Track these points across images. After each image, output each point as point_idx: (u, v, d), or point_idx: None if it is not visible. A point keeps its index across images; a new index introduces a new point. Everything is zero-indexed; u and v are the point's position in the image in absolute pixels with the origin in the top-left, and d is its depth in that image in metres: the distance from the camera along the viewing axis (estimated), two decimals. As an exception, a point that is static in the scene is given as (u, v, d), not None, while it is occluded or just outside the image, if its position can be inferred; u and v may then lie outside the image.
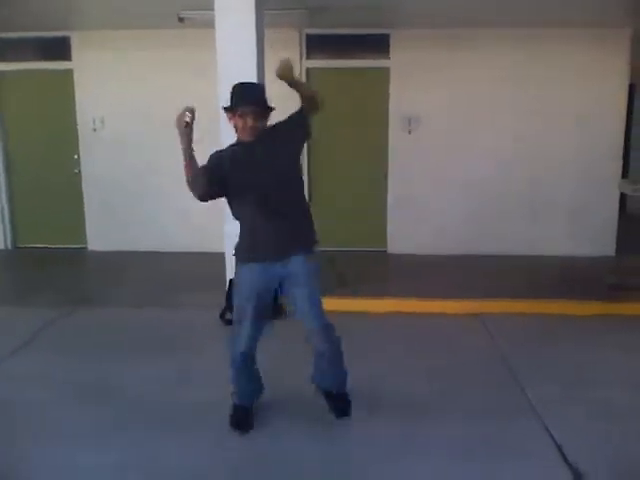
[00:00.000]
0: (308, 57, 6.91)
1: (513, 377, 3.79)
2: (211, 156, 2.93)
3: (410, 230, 7.00)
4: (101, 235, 7.34)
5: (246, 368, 3.12)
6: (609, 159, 6.90)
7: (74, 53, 7.05)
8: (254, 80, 4.82)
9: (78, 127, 7.18)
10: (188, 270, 6.33)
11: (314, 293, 2.97)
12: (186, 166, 2.74)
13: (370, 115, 6.99)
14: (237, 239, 3.02)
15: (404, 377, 3.81)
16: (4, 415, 3.33)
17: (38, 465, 2.85)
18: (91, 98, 7.09)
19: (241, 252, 3.00)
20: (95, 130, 7.13)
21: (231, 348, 3.06)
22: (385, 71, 6.83)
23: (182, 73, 6.82)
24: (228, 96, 2.89)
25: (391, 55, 6.82)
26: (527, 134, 6.83)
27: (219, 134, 4.85)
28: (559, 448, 2.94)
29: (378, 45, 6.84)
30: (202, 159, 2.84)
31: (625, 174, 7.56)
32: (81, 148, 7.23)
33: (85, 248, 7.38)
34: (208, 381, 3.71)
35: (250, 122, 2.79)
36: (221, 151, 2.96)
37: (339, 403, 3.23)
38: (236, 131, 2.88)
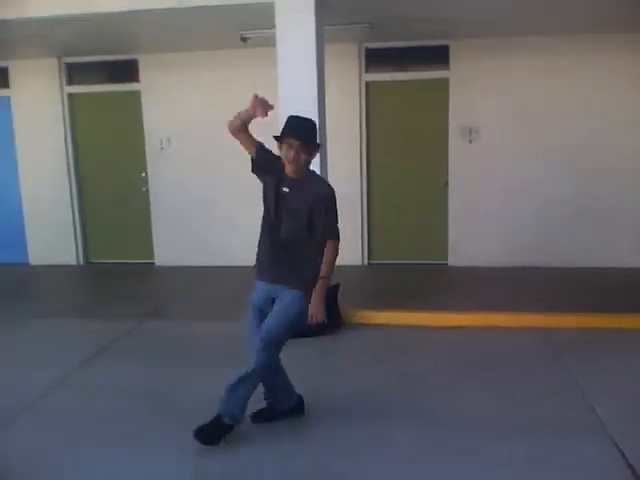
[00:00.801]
0: (367, 71, 6.95)
1: (582, 393, 3.66)
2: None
3: (472, 241, 6.90)
4: (168, 251, 7.57)
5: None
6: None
7: (142, 75, 7.36)
8: (314, 92, 4.91)
9: (146, 146, 7.46)
10: (251, 285, 6.39)
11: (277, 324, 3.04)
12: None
13: (430, 126, 6.96)
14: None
15: (470, 391, 3.75)
16: (76, 424, 3.45)
17: (104, 474, 2.94)
18: (158, 118, 7.36)
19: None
20: (162, 149, 7.39)
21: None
22: (444, 82, 6.80)
23: (246, 91, 6.94)
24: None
25: (451, 66, 6.78)
26: (592, 141, 6.62)
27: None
28: (630, 466, 2.82)
29: (437, 56, 6.82)
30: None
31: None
32: (149, 166, 7.51)
33: (153, 263, 7.63)
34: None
35: (292, 154, 2.94)
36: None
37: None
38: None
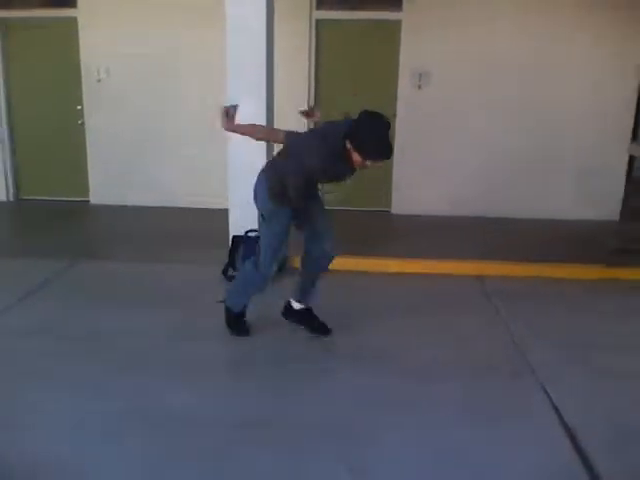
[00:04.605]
0: (318, 8, 6.71)
1: (512, 340, 3.80)
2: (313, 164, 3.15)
3: (415, 189, 6.94)
4: (104, 189, 7.28)
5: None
6: (620, 123, 6.79)
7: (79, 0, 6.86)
8: (262, 32, 4.70)
9: (82, 77, 7.04)
10: (191, 226, 6.31)
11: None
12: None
13: (380, 69, 6.84)
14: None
15: (405, 337, 3.85)
16: (5, 365, 3.35)
17: (42, 411, 2.88)
18: (96, 47, 6.91)
19: None
20: (100, 81, 6.99)
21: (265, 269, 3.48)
22: (397, 24, 6.64)
23: (190, 21, 6.64)
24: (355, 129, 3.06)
25: (404, 7, 6.62)
26: (538, 94, 6.68)
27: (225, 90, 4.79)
28: (556, 409, 2.97)
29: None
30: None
31: (635, 138, 7.45)
32: (85, 99, 7.11)
33: (88, 201, 7.34)
34: (210, 334, 3.76)
35: (370, 165, 3.09)
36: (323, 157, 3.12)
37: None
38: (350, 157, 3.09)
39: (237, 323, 3.73)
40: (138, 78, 6.91)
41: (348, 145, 3.04)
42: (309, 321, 3.73)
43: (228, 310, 3.72)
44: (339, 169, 3.17)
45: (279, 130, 3.33)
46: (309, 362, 3.46)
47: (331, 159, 3.07)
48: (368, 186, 6.60)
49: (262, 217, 3.40)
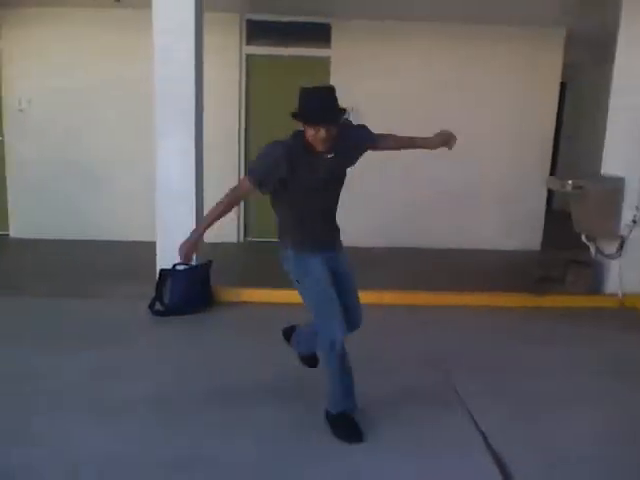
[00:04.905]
0: (248, 43, 6.79)
1: (441, 369, 3.82)
2: (266, 160, 2.78)
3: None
4: (24, 221, 6.97)
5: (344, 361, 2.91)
6: (539, 157, 7.14)
7: (2, 31, 6.66)
8: (191, 63, 4.70)
9: (3, 107, 6.80)
10: (116, 259, 6.11)
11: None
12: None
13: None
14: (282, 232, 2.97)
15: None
16: None
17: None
18: (18, 77, 6.71)
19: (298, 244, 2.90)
20: (22, 110, 6.75)
21: (324, 340, 2.86)
22: (326, 60, 6.81)
23: (116, 55, 6.56)
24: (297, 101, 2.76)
25: (332, 45, 6.80)
26: (461, 127, 6.85)
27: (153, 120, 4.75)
28: (485, 439, 2.97)
29: (319, 34, 6.80)
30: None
31: (553, 171, 7.86)
32: (5, 129, 6.84)
33: (7, 235, 6.99)
34: (139, 374, 3.59)
35: (323, 134, 2.68)
36: (278, 150, 2.77)
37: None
38: (305, 135, 2.73)
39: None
40: (60, 109, 6.74)
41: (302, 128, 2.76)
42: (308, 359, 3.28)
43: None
44: (305, 160, 2.75)
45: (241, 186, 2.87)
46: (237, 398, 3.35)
47: (289, 150, 2.75)
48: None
49: (296, 282, 2.93)
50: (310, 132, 2.70)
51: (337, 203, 3.01)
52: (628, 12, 5.19)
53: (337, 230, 3.06)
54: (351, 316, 2.95)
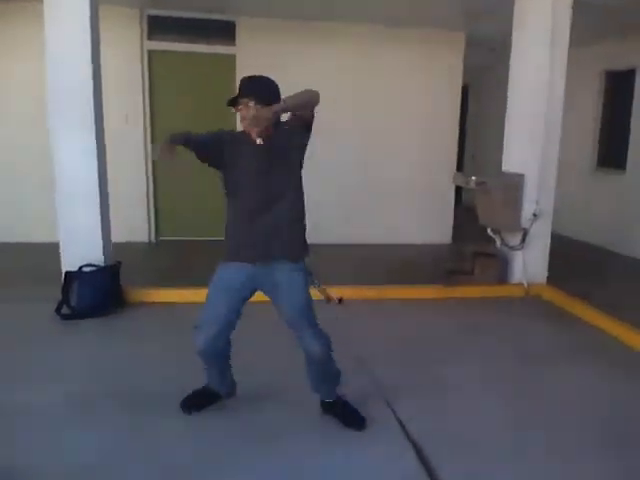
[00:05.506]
0: (150, 38, 6.54)
1: (359, 361, 3.80)
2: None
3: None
4: None
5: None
6: (446, 155, 7.34)
7: None
8: (88, 61, 4.44)
9: None
10: (20, 262, 5.77)
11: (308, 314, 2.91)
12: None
13: (217, 100, 6.73)
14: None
15: (259, 371, 3.68)
16: None
17: None
18: None
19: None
20: None
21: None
22: (231, 58, 6.66)
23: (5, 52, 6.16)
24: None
25: (237, 42, 6.67)
26: (369, 126, 7.02)
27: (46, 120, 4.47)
28: (403, 426, 3.00)
29: (224, 31, 6.66)
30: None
31: (460, 168, 8.12)
32: None
33: None
34: (44, 378, 3.41)
35: (243, 113, 2.63)
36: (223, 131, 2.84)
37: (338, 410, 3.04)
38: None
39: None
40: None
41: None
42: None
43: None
44: (240, 147, 2.71)
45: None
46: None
47: (232, 133, 2.86)
48: (211, 215, 6.45)
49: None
50: (241, 120, 2.68)
51: (286, 206, 2.75)
52: (518, 23, 5.36)
53: (284, 238, 2.76)
54: (300, 342, 2.86)
